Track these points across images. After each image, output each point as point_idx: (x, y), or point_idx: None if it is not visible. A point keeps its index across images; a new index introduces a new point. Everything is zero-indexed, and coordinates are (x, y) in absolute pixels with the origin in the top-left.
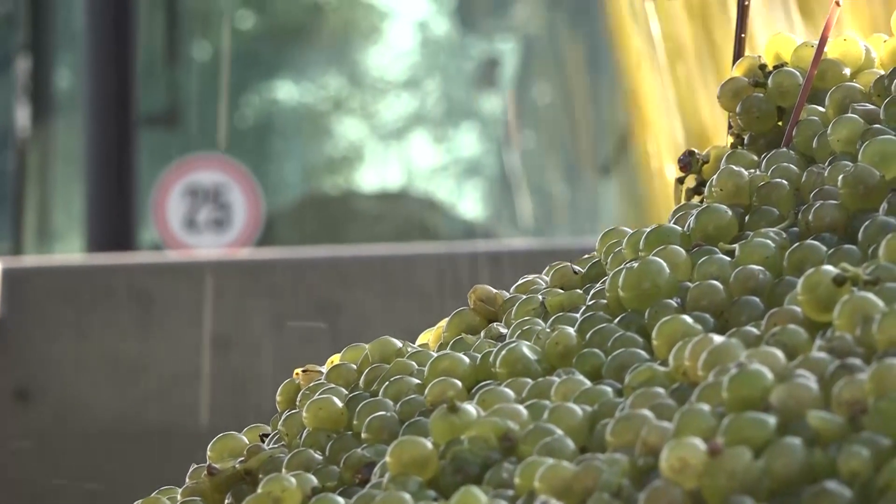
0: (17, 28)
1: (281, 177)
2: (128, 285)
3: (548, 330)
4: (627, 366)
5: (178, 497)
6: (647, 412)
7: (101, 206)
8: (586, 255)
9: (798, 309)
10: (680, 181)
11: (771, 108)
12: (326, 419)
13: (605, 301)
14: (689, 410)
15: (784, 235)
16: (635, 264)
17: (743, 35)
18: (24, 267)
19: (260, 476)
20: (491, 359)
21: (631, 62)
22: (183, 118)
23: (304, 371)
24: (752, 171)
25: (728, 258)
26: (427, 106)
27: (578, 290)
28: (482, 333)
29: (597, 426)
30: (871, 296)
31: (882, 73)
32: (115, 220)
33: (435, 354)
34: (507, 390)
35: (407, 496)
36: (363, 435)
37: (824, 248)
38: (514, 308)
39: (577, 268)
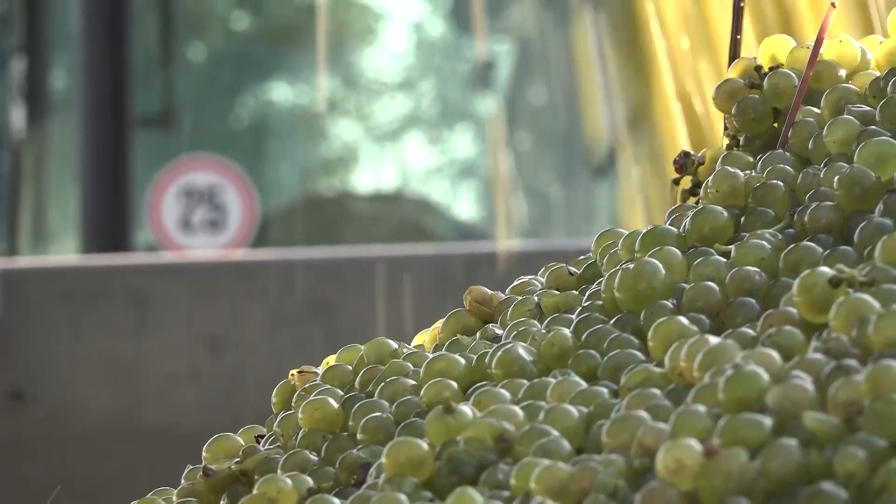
0: (12, 29)
1: (276, 178)
2: (123, 286)
3: (543, 331)
4: (623, 367)
5: (174, 498)
6: (643, 413)
7: (97, 207)
8: (582, 256)
9: (794, 310)
10: (676, 182)
11: (767, 110)
12: (322, 420)
13: (600, 302)
14: (685, 411)
15: (780, 237)
16: (631, 265)
17: (738, 36)
18: (20, 268)
19: (255, 477)
20: (487, 360)
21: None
22: (178, 119)
23: (299, 372)
24: (748, 172)
25: (724, 259)
26: (422, 107)
27: (574, 292)
28: (478, 334)
29: (593, 427)
30: (866, 297)
31: (878, 74)
32: (110, 221)
33: (430, 355)
34: (503, 391)
35: (403, 497)
36: (359, 436)
37: (820, 250)
38: (510, 309)
39: (572, 269)
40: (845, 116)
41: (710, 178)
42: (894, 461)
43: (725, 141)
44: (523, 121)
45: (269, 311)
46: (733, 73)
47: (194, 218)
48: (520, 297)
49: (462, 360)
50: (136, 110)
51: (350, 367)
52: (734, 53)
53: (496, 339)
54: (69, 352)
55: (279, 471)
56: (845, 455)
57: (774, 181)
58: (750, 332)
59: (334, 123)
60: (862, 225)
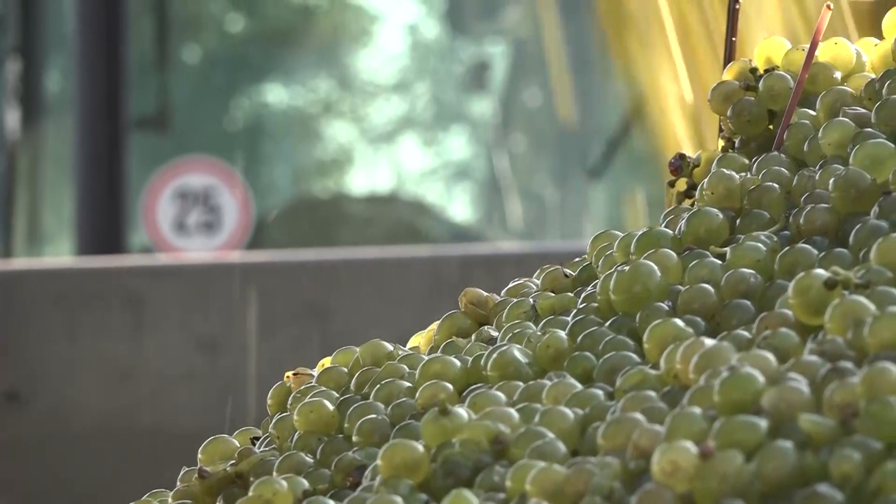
0: (6, 31)
1: (271, 180)
2: (118, 288)
3: (539, 333)
4: (619, 369)
5: (169, 500)
6: (638, 415)
7: (91, 208)
8: (577, 259)
9: (789, 312)
10: (671, 184)
11: (762, 112)
12: (317, 422)
13: (596, 304)
14: (680, 414)
15: (775, 239)
16: (626, 267)
17: (734, 38)
18: (15, 270)
19: (251, 479)
20: (482, 362)
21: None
22: (173, 121)
23: (294, 374)
24: (743, 174)
25: (719, 261)
26: (417, 109)
27: (569, 294)
28: (473, 336)
29: (588, 429)
30: (862, 299)
31: (873, 76)
32: (105, 223)
33: (426, 357)
34: (499, 393)
35: (398, 499)
36: (354, 438)
37: (815, 252)
38: (505, 311)
39: (567, 271)
40: (841, 119)
41: (706, 180)
42: (890, 463)
43: (721, 143)
44: (518, 123)
45: (264, 313)
46: (729, 75)
47: (189, 220)
48: (515, 300)
49: (457, 363)
50: (131, 112)
51: (345, 370)
52: (729, 55)
53: (491, 341)
54: (64, 353)
55: (275, 473)
56: (841, 457)
57: (770, 183)
58: (745, 334)
59: (329, 125)
60: (857, 227)
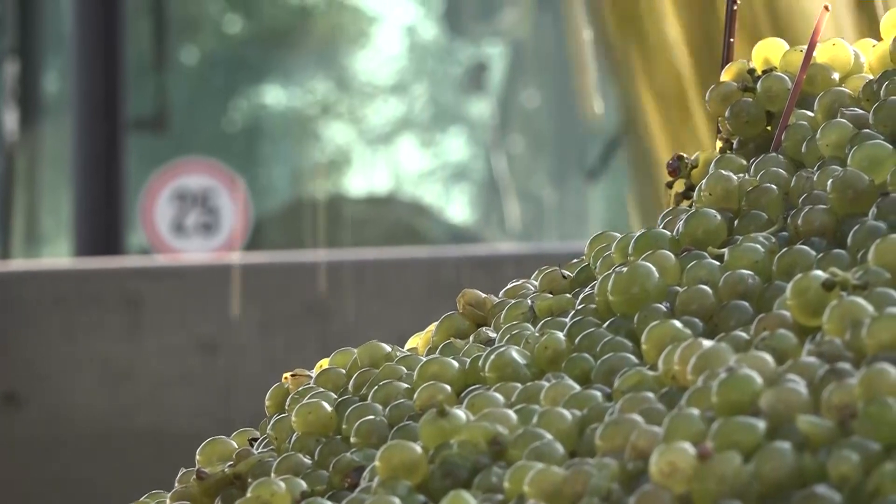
0: (4, 32)
1: (269, 181)
2: (116, 289)
3: (537, 334)
4: (617, 370)
5: (168, 501)
6: (636, 416)
7: (90, 210)
8: (575, 260)
9: (787, 313)
10: (669, 185)
11: (760, 113)
12: (315, 423)
13: (594, 305)
14: (678, 415)
15: (773, 240)
16: (624, 269)
17: (732, 39)
18: (13, 271)
19: (249, 480)
20: (480, 363)
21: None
22: (171, 122)
23: (293, 375)
24: (741, 175)
25: (717, 262)
26: (415, 110)
27: (567, 295)
28: (471, 338)
29: (586, 430)
30: (860, 300)
31: (871, 77)
32: (103, 225)
33: (424, 359)
34: (497, 395)
35: (396, 500)
36: (352, 439)
37: (813, 253)
38: (503, 312)
39: (566, 272)
40: (838, 120)
41: (704, 181)
42: (888, 464)
43: (719, 144)
44: (516, 124)
45: (262, 315)
46: (726, 76)
47: (187, 221)
48: (513, 301)
49: (455, 364)
50: (129, 113)
51: (343, 371)
52: (727, 57)
53: (489, 342)
54: (62, 355)
55: (273, 474)
56: (839, 458)
57: (768, 184)
58: (743, 335)
59: (327, 126)
60: (855, 228)
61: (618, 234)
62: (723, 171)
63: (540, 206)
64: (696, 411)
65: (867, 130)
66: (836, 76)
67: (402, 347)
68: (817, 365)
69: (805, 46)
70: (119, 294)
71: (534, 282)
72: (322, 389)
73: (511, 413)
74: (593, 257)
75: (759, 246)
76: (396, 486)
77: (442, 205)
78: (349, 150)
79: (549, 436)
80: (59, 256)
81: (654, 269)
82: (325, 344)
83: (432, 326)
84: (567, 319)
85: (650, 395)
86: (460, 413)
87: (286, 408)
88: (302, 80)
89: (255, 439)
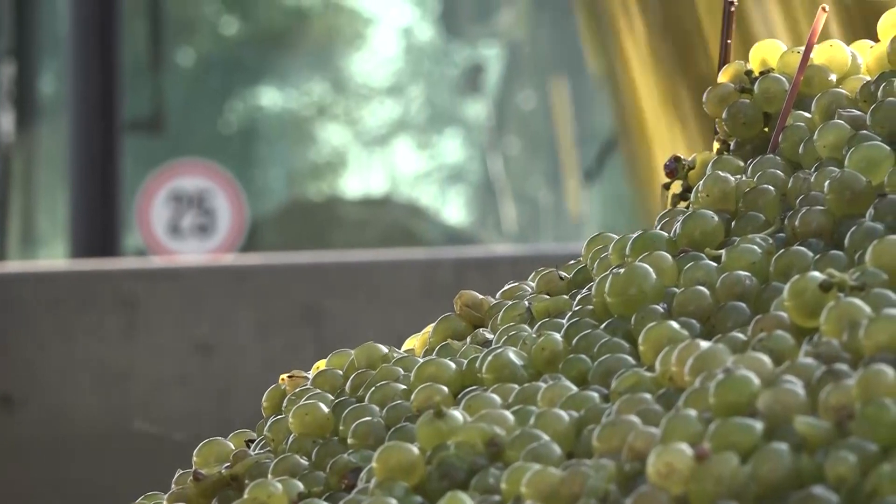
0: (1, 33)
1: (265, 183)
2: (112, 291)
3: (534, 335)
4: (614, 371)
5: (164, 502)
6: (633, 418)
7: (86, 211)
8: (572, 261)
9: (784, 315)
10: (666, 187)
11: (757, 114)
12: (312, 424)
13: (591, 307)
14: (675, 416)
15: (770, 241)
16: (621, 270)
17: (729, 41)
18: (9, 273)
19: (246, 482)
20: (477, 364)
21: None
22: (167, 124)
23: (289, 377)
24: (739, 176)
25: (714, 264)
26: (411, 112)
27: (564, 296)
28: (468, 339)
29: (583, 432)
30: (857, 301)
31: (868, 78)
32: (99, 226)
33: (421, 360)
34: (494, 396)
35: (393, 502)
36: (349, 440)
37: (811, 254)
38: (500, 314)
39: (563, 273)
40: (836, 121)
41: (701, 182)
42: (885, 465)
43: (716, 145)
44: (512, 125)
45: (258, 316)
46: (724, 77)
47: (183, 223)
48: (510, 302)
49: (452, 365)
50: (126, 115)
51: (340, 372)
52: (724, 58)
53: (486, 343)
54: (58, 356)
55: (270, 475)
56: (836, 459)
57: (765, 186)
58: (741, 336)
59: (323, 128)
60: (852, 229)
61: (615, 236)
62: (720, 173)
63: (536, 207)
64: (693, 412)
65: (864, 132)
66: (833, 77)
67: (399, 349)
68: (815, 366)
69: (802, 48)
70: (115, 295)
71: (531, 283)
72: (319, 391)
73: (508, 414)
74: (590, 259)
75: (756, 247)
76: (393, 487)
77: (438, 206)
78: (345, 151)
79: (546, 437)
80: (55, 258)
81: (651, 270)
82: (322, 345)
83: (429, 328)
84: (564, 321)
85: (647, 396)
86: (457, 414)
87: (283, 409)
88: (298, 81)
89: (252, 441)
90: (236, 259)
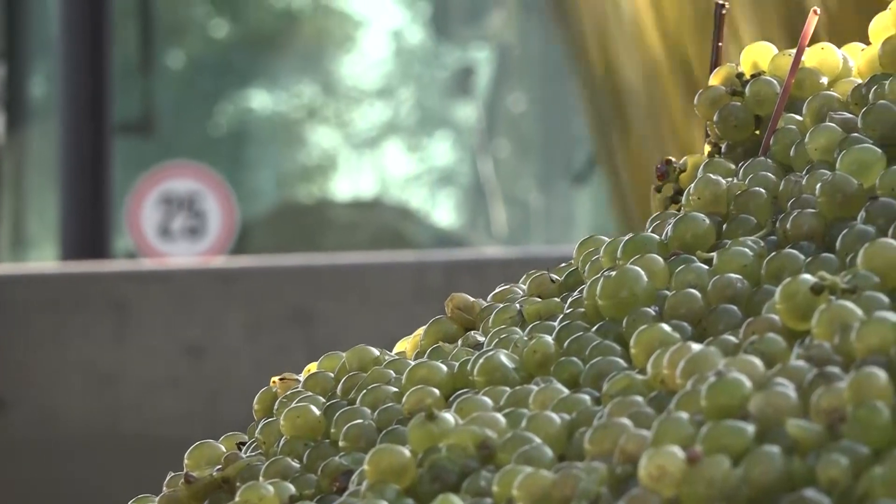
0: None
1: (255, 185)
2: (103, 293)
3: (525, 338)
4: (605, 374)
5: None
6: (625, 420)
7: (76, 213)
8: (563, 264)
9: (776, 317)
10: (657, 189)
11: (748, 117)
12: (304, 427)
13: (582, 309)
14: (667, 419)
15: (762, 244)
16: (613, 273)
17: (720, 44)
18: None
19: (237, 484)
20: (468, 367)
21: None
22: (157, 126)
23: (281, 379)
24: (730, 179)
25: (706, 266)
26: (401, 115)
27: (556, 299)
28: (459, 342)
29: (575, 434)
30: (849, 304)
31: (859, 81)
32: (89, 228)
33: (412, 363)
34: (485, 398)
35: None
36: (341, 443)
37: (802, 257)
38: (492, 316)
39: (554, 276)
40: (827, 124)
41: (692, 185)
42: (877, 468)
43: (707, 148)
44: (503, 128)
45: (248, 318)
46: (715, 80)
47: (174, 225)
48: (501, 305)
49: (444, 368)
50: (116, 117)
51: (332, 375)
52: (716, 61)
53: (478, 346)
54: (49, 358)
55: (261, 478)
56: (828, 462)
57: (756, 188)
58: (732, 339)
59: (313, 131)
60: (844, 232)
61: (606, 238)
62: (711, 175)
63: (526, 210)
64: (684, 415)
65: (856, 134)
66: (824, 80)
67: (390, 351)
68: (806, 369)
69: (794, 50)
70: (106, 298)
71: (522, 286)
72: (310, 393)
73: (500, 417)
74: (581, 261)
75: (747, 250)
76: (385, 490)
77: (428, 209)
78: (335, 154)
79: (537, 440)
80: (45, 260)
81: (642, 272)
82: (312, 348)
83: (420, 330)
84: (556, 323)
85: (639, 398)
86: (449, 417)
87: (274, 411)
88: (288, 84)
89: (244, 443)
90: (227, 261)
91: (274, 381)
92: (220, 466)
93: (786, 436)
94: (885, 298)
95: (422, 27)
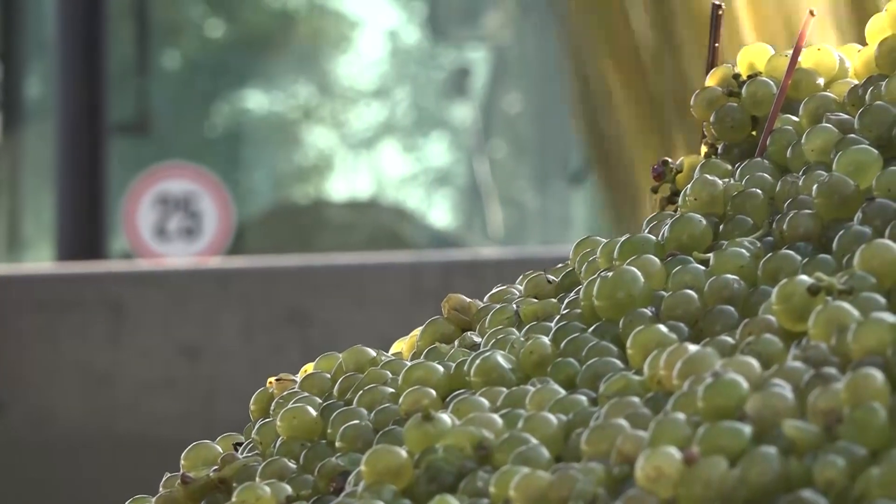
0: None
1: (251, 185)
2: (99, 294)
3: (522, 339)
4: (602, 375)
5: None
6: (622, 421)
7: (72, 214)
8: (560, 265)
9: (773, 318)
10: (654, 190)
11: (745, 118)
12: (300, 428)
13: (579, 310)
14: (664, 419)
15: (758, 245)
16: (609, 273)
17: (716, 44)
18: None
19: (234, 485)
20: (465, 368)
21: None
22: (153, 127)
23: (277, 380)
24: (727, 180)
25: (702, 267)
26: (397, 115)
27: (552, 300)
28: (456, 342)
29: (572, 435)
30: (845, 305)
31: (856, 82)
32: (85, 229)
33: (409, 363)
34: (482, 399)
35: None
36: (337, 444)
37: (799, 258)
38: (488, 317)
39: (551, 277)
40: (824, 125)
41: (689, 186)
42: (874, 469)
43: (704, 149)
44: (499, 129)
45: (244, 319)
46: (711, 81)
47: (170, 226)
48: (498, 305)
49: (441, 368)
50: (112, 118)
51: (328, 375)
52: (712, 62)
53: (475, 346)
54: (45, 359)
55: (258, 478)
56: (825, 463)
57: (753, 189)
58: (729, 340)
59: (309, 131)
60: (841, 233)
61: (603, 239)
62: (708, 176)
63: (522, 210)
64: (681, 416)
65: (852, 135)
66: (821, 81)
67: (386, 352)
68: (803, 370)
69: (790, 51)
70: (102, 298)
71: (518, 286)
72: (307, 394)
73: (496, 418)
74: (578, 262)
75: (744, 251)
76: (382, 490)
77: (424, 210)
78: (331, 154)
79: (534, 440)
80: (41, 261)
81: (639, 273)
82: (308, 348)
83: (417, 331)
84: (552, 324)
85: (636, 399)
86: (446, 418)
87: (271, 412)
88: (284, 84)
89: (240, 444)
90: (223, 262)
91: (270, 382)
92: (216, 467)
93: (783, 437)
94: (882, 299)
95: (418, 27)
